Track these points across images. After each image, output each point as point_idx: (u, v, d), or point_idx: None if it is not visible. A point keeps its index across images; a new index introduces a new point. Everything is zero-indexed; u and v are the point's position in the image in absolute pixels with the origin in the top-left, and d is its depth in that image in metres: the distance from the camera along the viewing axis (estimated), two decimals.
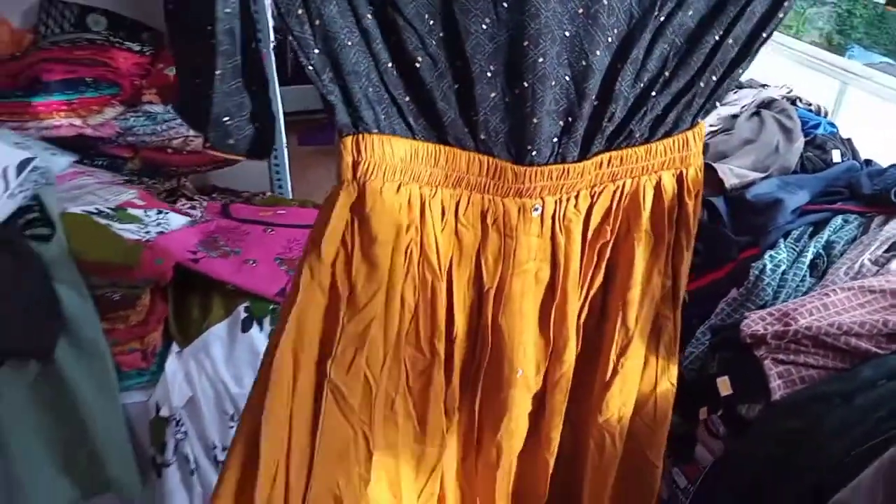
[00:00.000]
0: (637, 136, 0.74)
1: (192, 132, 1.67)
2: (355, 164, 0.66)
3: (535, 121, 0.67)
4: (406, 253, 0.71)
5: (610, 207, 0.77)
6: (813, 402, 1.07)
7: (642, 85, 0.70)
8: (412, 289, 0.73)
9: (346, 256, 0.69)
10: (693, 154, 0.78)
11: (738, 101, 1.66)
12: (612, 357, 0.86)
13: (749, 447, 1.12)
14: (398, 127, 0.66)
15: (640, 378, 0.89)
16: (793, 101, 1.67)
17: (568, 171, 0.72)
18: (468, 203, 0.71)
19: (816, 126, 1.61)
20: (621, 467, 0.94)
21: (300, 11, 0.60)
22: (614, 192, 0.77)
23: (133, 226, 1.07)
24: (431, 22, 0.62)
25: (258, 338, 1.03)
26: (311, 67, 0.62)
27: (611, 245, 0.80)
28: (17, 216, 0.91)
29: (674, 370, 0.93)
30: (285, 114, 1.94)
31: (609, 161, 0.74)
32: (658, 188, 0.78)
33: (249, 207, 1.31)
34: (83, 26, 1.82)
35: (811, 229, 1.36)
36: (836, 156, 1.52)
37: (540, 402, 0.87)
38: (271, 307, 1.05)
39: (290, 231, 1.21)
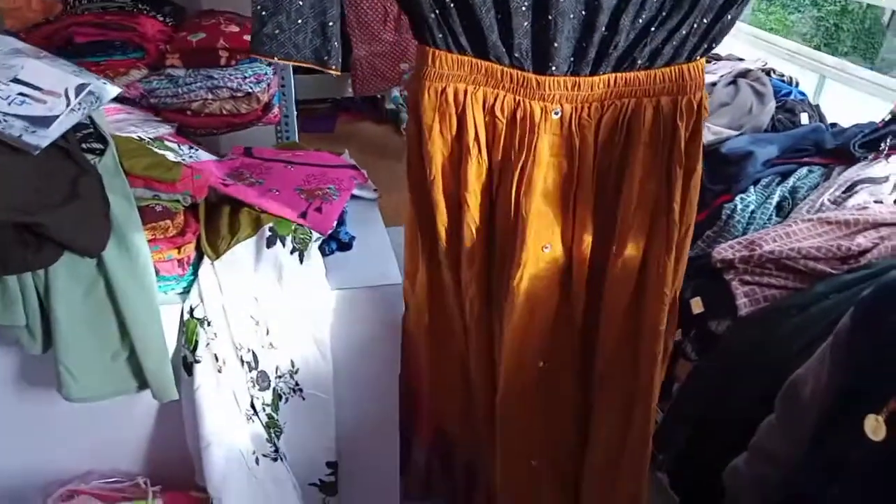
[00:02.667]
0: (639, 62, 0.91)
1: (210, 95, 1.80)
2: (419, 67, 0.93)
3: (555, 45, 0.87)
4: (448, 131, 0.97)
5: (617, 120, 0.95)
6: (772, 314, 1.21)
7: (642, 21, 0.87)
8: (451, 157, 0.99)
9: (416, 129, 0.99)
10: (689, 85, 0.93)
11: (716, 71, 1.80)
12: (615, 248, 1.04)
13: (716, 355, 1.25)
14: (454, 46, 0.90)
15: (637, 263, 1.05)
16: (767, 73, 1.81)
17: (580, 84, 0.91)
18: (503, 101, 0.93)
19: (788, 94, 1.76)
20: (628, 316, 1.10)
21: None
22: (620, 107, 0.94)
23: (171, 154, 1.19)
24: None
25: (282, 252, 1.15)
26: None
27: (619, 151, 0.97)
28: (74, 131, 1.03)
29: (670, 264, 1.05)
30: None
31: (615, 81, 0.92)
32: (657, 109, 0.94)
33: (270, 150, 1.44)
34: None
35: (779, 178, 1.50)
36: (804, 118, 1.66)
37: (568, 275, 1.08)
38: (293, 227, 1.17)
39: (307, 168, 1.34)
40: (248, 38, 1.74)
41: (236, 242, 1.15)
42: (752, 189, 1.45)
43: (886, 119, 1.49)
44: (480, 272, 1.10)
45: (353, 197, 1.39)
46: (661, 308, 1.04)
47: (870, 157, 1.43)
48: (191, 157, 1.26)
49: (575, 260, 1.06)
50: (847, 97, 2.65)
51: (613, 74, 0.92)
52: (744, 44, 2.74)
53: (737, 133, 1.60)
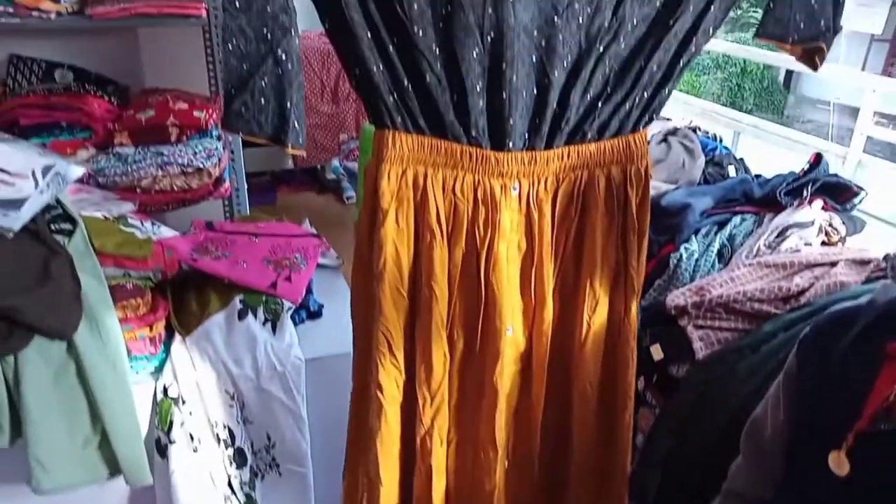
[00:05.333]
0: (589, 135, 0.97)
1: (160, 172, 1.80)
2: (378, 150, 0.92)
3: (511, 122, 0.91)
4: (405, 219, 0.94)
5: (573, 192, 0.99)
6: (728, 354, 1.29)
7: (589, 97, 0.94)
8: (406, 246, 0.93)
9: (370, 216, 0.95)
10: (636, 154, 0.99)
11: (648, 131, 1.94)
12: (586, 316, 1.05)
13: (678, 397, 1.32)
14: (412, 127, 0.91)
15: (605, 330, 1.07)
16: (694, 130, 1.96)
17: (536, 158, 0.95)
18: (464, 181, 0.94)
19: (714, 149, 1.90)
20: (599, 410, 1.11)
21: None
22: (575, 179, 0.99)
23: (136, 230, 1.19)
24: (437, 51, 0.86)
25: (254, 324, 1.15)
26: (354, 83, 0.89)
27: (576, 222, 1.01)
28: (42, 212, 1.02)
29: (632, 322, 1.09)
30: None
31: (568, 154, 0.97)
32: (609, 179, 0.99)
33: (231, 223, 1.45)
34: (51, 80, 1.94)
35: (716, 227, 1.61)
36: (731, 171, 1.80)
37: (528, 359, 1.06)
38: (264, 298, 1.18)
39: (272, 239, 1.36)
40: (197, 113, 1.79)
41: (207, 317, 1.15)
42: (693, 238, 1.55)
43: (805, 169, 1.63)
44: (443, 406, 1.02)
45: (317, 265, 1.41)
46: (629, 369, 1.06)
47: (795, 203, 1.57)
48: (155, 233, 1.26)
49: (535, 342, 1.04)
50: (760, 149, 2.89)
51: (566, 147, 0.95)
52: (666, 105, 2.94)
53: (673, 187, 1.71)
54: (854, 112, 3.07)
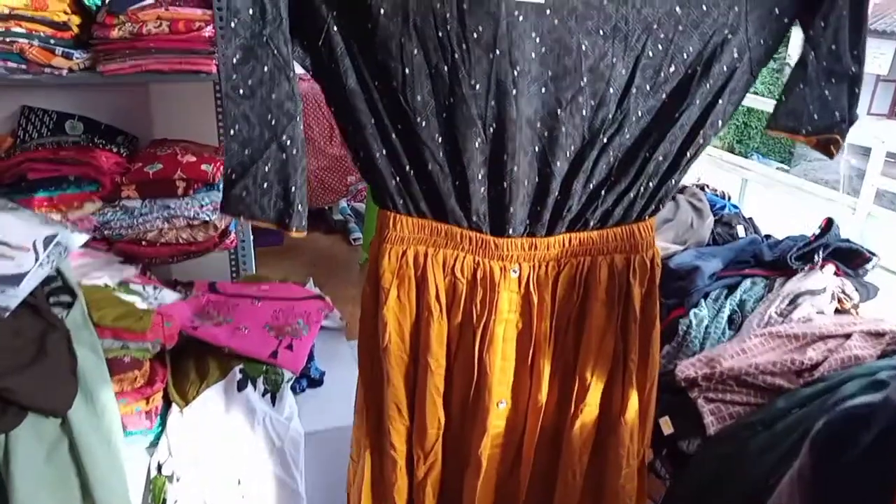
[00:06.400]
0: (591, 223, 0.95)
1: (166, 225, 1.80)
2: (381, 231, 0.93)
3: (511, 210, 0.91)
4: (406, 295, 0.95)
5: (573, 277, 0.97)
6: (740, 431, 1.25)
7: (592, 186, 0.92)
8: (409, 319, 0.96)
9: (374, 290, 0.97)
10: (641, 244, 0.97)
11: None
12: (573, 405, 1.02)
13: (689, 475, 1.27)
14: (414, 210, 0.91)
15: (596, 422, 1.04)
16: (701, 188, 1.95)
17: (536, 245, 0.94)
18: (463, 262, 0.94)
19: (723, 208, 1.89)
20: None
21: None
22: (576, 265, 0.97)
23: (137, 298, 1.17)
24: (440, 140, 0.86)
25: (253, 395, 1.13)
26: (357, 164, 0.90)
27: (576, 308, 0.99)
28: (42, 284, 1.01)
29: (629, 423, 1.05)
30: None
31: (570, 240, 0.95)
32: (611, 267, 0.97)
33: (234, 284, 1.44)
34: (62, 131, 1.95)
35: (726, 291, 1.58)
36: (741, 231, 1.78)
37: (520, 435, 1.04)
38: (264, 368, 1.16)
39: (275, 303, 1.34)
40: (205, 167, 1.79)
41: (206, 387, 1.13)
42: (703, 303, 1.52)
43: (817, 233, 1.61)
44: (437, 463, 1.04)
45: (321, 327, 1.39)
46: (619, 473, 1.03)
47: (806, 268, 1.54)
48: (156, 298, 1.24)
49: (529, 420, 1.03)
50: (766, 195, 2.88)
51: (568, 234, 0.94)
52: None
53: (682, 248, 1.69)
54: (863, 151, 3.03)
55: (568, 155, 0.88)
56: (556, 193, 0.91)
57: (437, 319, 0.95)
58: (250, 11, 0.79)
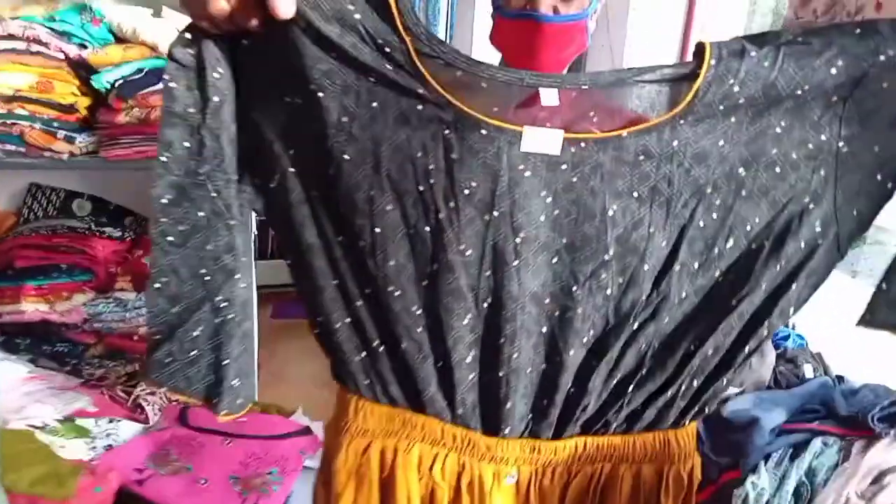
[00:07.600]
0: (613, 426, 0.73)
1: None
2: (337, 417, 0.74)
3: (508, 404, 0.70)
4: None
5: (587, 488, 0.75)
6: None
7: (616, 381, 0.71)
8: None
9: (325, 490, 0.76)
10: (677, 454, 0.74)
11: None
12: None
13: None
14: (382, 395, 0.71)
15: None
16: None
17: (540, 448, 0.72)
18: (444, 461, 0.72)
19: (786, 338, 1.63)
20: None
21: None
22: (592, 473, 0.75)
23: (79, 440, 1.00)
24: (418, 313, 0.67)
25: None
26: (314, 331, 0.70)
27: None
28: None
29: None
30: (259, 286, 1.93)
31: (584, 445, 0.73)
32: (637, 479, 0.75)
33: (208, 415, 1.25)
34: (68, 211, 1.86)
35: (791, 451, 1.32)
36: (808, 370, 1.52)
37: None
38: None
39: (250, 443, 1.15)
40: None
41: None
42: (762, 468, 1.27)
43: None
44: None
45: (305, 468, 1.19)
46: None
47: (892, 433, 1.27)
48: (108, 435, 1.07)
49: None
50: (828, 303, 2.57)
51: (582, 438, 0.73)
52: None
53: (737, 390, 1.44)
54: None
55: (585, 342, 0.67)
56: (569, 387, 0.69)
57: None
58: (186, 144, 0.62)
